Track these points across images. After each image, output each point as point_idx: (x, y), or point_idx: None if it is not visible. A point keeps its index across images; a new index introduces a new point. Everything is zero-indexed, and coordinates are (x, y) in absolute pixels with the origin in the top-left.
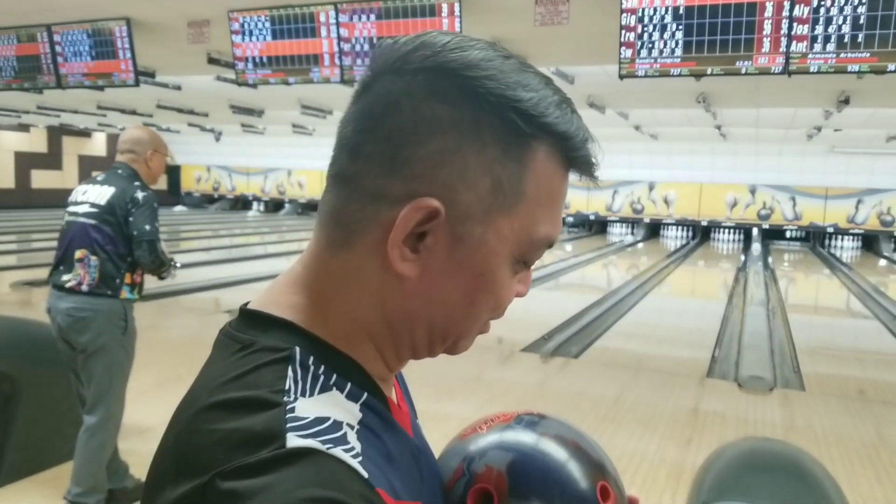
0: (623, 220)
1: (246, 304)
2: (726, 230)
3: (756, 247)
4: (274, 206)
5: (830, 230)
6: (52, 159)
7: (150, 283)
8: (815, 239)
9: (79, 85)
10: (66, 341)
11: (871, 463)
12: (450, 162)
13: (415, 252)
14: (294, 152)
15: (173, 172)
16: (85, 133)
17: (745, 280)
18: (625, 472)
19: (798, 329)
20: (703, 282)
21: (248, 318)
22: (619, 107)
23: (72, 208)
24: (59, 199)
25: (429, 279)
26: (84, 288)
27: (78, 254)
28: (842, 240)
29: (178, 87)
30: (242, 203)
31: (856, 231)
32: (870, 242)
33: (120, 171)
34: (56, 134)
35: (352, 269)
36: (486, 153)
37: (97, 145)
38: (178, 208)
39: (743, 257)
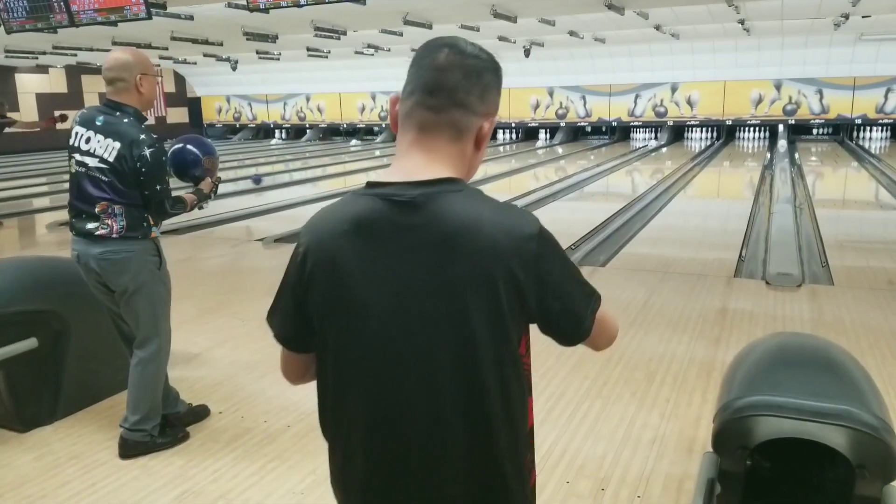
0: (646, 125)
1: (375, 181)
2: (751, 128)
3: (782, 143)
4: (295, 132)
5: (858, 122)
6: (73, 99)
7: (183, 216)
8: (843, 131)
9: (92, 22)
10: (102, 285)
11: None
12: (497, 98)
13: None
14: (311, 77)
15: (194, 105)
16: None
17: (771, 178)
18: (655, 372)
19: (826, 224)
20: (728, 182)
21: (432, 182)
22: (639, 6)
23: (79, 157)
24: None
25: (482, 151)
26: (114, 235)
27: (98, 207)
28: (870, 131)
29: (191, 17)
30: (264, 132)
31: (885, 121)
32: None
33: (119, 115)
34: (74, 73)
35: (463, 150)
36: (499, 91)
37: None
38: None
39: (769, 155)
